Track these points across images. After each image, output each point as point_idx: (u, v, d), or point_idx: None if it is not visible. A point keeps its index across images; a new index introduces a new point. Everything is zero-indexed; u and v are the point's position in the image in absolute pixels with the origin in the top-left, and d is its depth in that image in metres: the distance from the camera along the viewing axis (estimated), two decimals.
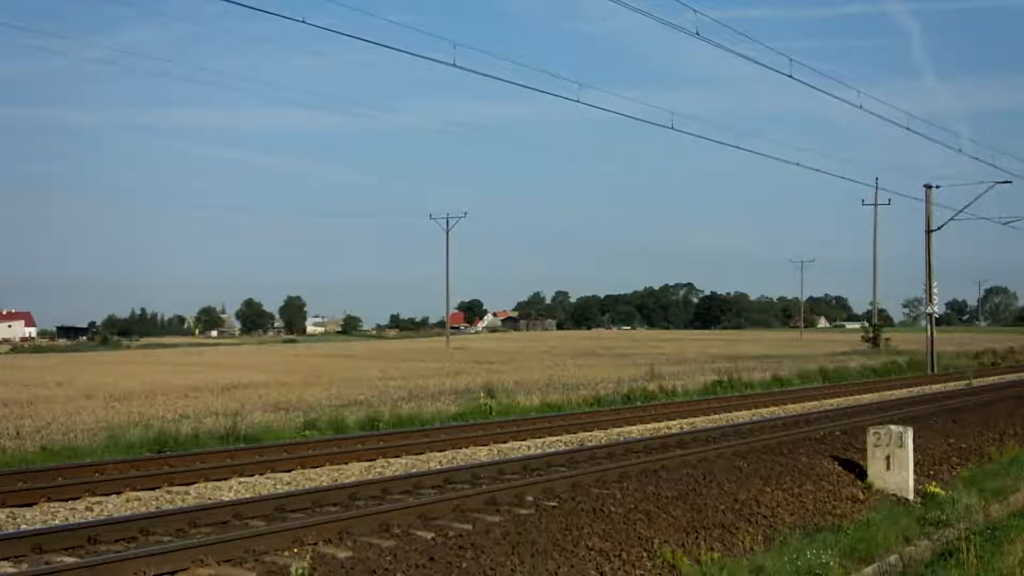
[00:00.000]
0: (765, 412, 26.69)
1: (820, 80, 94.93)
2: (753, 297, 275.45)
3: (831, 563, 10.95)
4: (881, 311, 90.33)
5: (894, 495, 15.07)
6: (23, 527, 11.36)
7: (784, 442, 18.03)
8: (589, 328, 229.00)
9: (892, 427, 15.57)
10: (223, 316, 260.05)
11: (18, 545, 10.05)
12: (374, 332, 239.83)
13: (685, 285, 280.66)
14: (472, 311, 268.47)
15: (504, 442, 19.21)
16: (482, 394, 30.16)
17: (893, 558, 11.84)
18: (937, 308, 55.21)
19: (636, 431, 21.72)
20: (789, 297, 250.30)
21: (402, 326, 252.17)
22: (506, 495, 13.01)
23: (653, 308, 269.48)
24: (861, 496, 14.87)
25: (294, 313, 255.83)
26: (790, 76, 29.06)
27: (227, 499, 13.05)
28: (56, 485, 13.34)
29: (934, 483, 15.73)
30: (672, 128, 29.76)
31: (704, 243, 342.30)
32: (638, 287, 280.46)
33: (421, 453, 17.46)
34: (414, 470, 15.66)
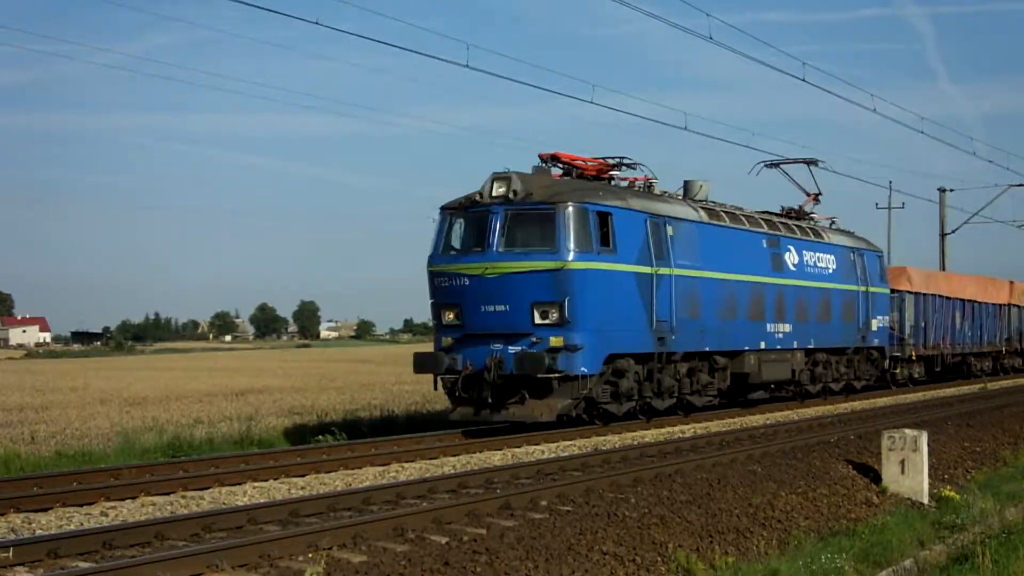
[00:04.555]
0: (779, 416, 26.61)
1: (833, 83, 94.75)
2: None
3: (846, 567, 10.94)
4: None
5: (909, 499, 15.05)
6: (38, 532, 11.39)
7: (798, 446, 18.00)
8: None
9: (907, 431, 15.55)
10: (237, 321, 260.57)
11: (34, 550, 10.08)
12: (388, 337, 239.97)
13: None
14: None
15: (518, 446, 19.20)
16: None
17: (908, 562, 11.82)
18: None
19: (650, 435, 21.69)
20: None
21: (415, 331, 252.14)
22: (520, 499, 13.01)
23: None
24: (876, 500, 14.85)
25: (308, 318, 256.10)
26: (803, 80, 29.10)
27: (242, 504, 13.07)
28: (71, 490, 13.38)
29: (949, 487, 15.71)
30: (686, 129, 29.80)
31: None
32: None
33: (435, 458, 17.48)
34: (428, 475, 15.67)
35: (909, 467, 15.27)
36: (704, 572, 10.49)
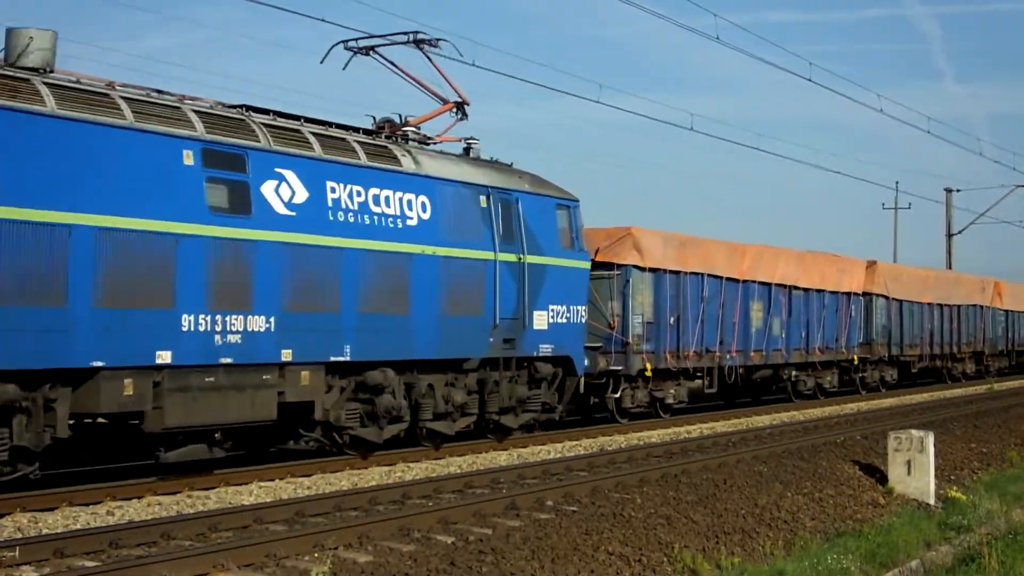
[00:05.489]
0: (785, 416, 26.62)
1: (839, 83, 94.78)
2: None
3: (852, 568, 10.92)
4: None
5: (915, 500, 15.03)
6: (45, 531, 11.41)
7: (804, 447, 18.00)
8: None
9: (913, 431, 15.52)
10: None
11: (40, 549, 10.10)
12: None
13: None
14: None
15: (524, 446, 19.22)
16: None
17: (914, 563, 11.81)
18: None
19: (656, 435, 21.69)
20: None
21: None
22: (526, 499, 13.03)
23: None
24: (882, 501, 14.83)
25: None
26: (809, 80, 29.12)
27: (248, 503, 13.09)
28: (77, 489, 13.37)
29: (955, 488, 15.68)
30: (692, 129, 29.74)
31: None
32: None
33: (441, 458, 17.49)
34: (434, 474, 15.69)
35: (915, 468, 15.25)
36: (710, 573, 10.48)
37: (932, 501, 15.08)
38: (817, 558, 11.02)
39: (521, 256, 18.68)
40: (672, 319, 24.06)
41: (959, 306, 40.21)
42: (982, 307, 42.40)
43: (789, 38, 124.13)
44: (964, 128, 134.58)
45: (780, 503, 13.44)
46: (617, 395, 22.79)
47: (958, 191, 56.26)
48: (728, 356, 26.06)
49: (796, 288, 29.25)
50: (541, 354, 19.24)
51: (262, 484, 14.59)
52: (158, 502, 13.18)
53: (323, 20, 19.08)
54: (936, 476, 15.53)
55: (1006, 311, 45.22)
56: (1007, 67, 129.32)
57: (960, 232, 56.02)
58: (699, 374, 25.59)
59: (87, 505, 12.82)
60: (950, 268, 52.71)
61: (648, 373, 23.14)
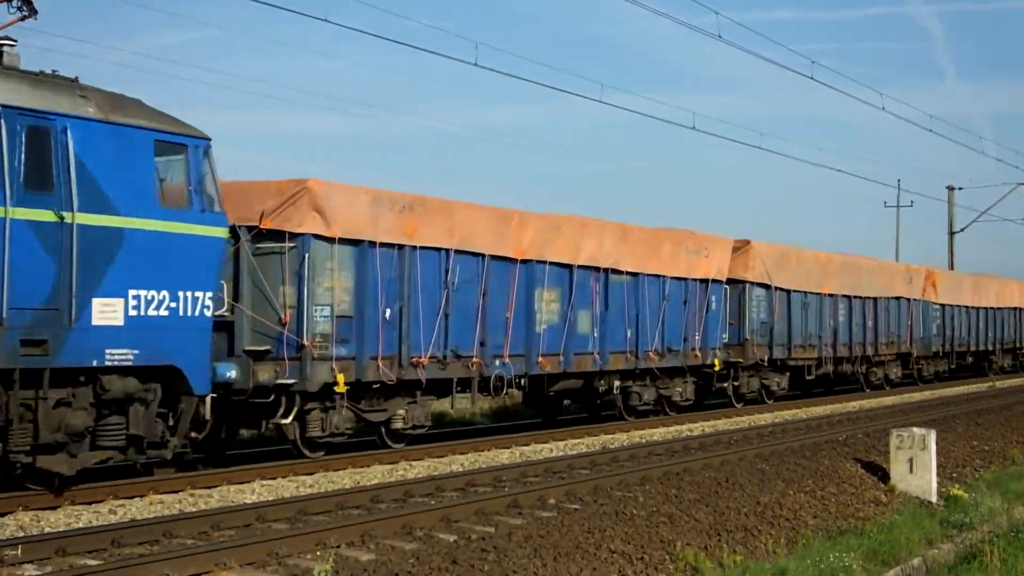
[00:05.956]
0: (787, 415, 26.60)
1: (842, 82, 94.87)
2: None
3: (854, 566, 10.93)
4: None
5: (917, 498, 15.04)
6: (47, 530, 11.42)
7: (807, 445, 18.00)
8: None
9: (915, 429, 15.54)
10: None
11: (42, 548, 10.10)
12: None
13: None
14: None
15: (526, 445, 19.21)
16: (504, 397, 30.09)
17: (916, 561, 11.82)
18: None
19: (658, 434, 21.68)
20: None
21: None
22: (528, 498, 13.02)
23: None
24: (884, 499, 14.84)
25: None
26: (812, 78, 29.10)
27: (250, 502, 13.09)
28: (79, 488, 13.38)
29: (957, 485, 15.70)
30: (694, 128, 29.73)
31: None
32: None
33: (443, 456, 17.48)
34: (436, 473, 15.69)
35: (917, 466, 15.26)
36: (712, 571, 10.48)
37: (934, 499, 15.09)
38: (819, 556, 11.03)
39: (67, 214, 12.15)
40: (387, 312, 16.95)
41: (876, 299, 33.32)
42: (909, 300, 35.53)
43: (791, 36, 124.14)
44: (966, 126, 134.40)
45: (782, 501, 13.45)
46: (288, 420, 15.80)
47: (960, 189, 56.25)
48: (496, 363, 18.91)
49: (617, 272, 21.78)
50: (113, 363, 12.69)
51: (264, 482, 14.59)
52: (160, 500, 13.18)
53: (326, 20, 18.38)
54: (938, 474, 15.54)
55: (942, 305, 38.30)
56: (1009, 65, 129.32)
57: (962, 230, 56.03)
58: (481, 387, 18.90)
59: (89, 503, 12.82)
60: (952, 266, 52.51)
61: (340, 388, 16.16)
